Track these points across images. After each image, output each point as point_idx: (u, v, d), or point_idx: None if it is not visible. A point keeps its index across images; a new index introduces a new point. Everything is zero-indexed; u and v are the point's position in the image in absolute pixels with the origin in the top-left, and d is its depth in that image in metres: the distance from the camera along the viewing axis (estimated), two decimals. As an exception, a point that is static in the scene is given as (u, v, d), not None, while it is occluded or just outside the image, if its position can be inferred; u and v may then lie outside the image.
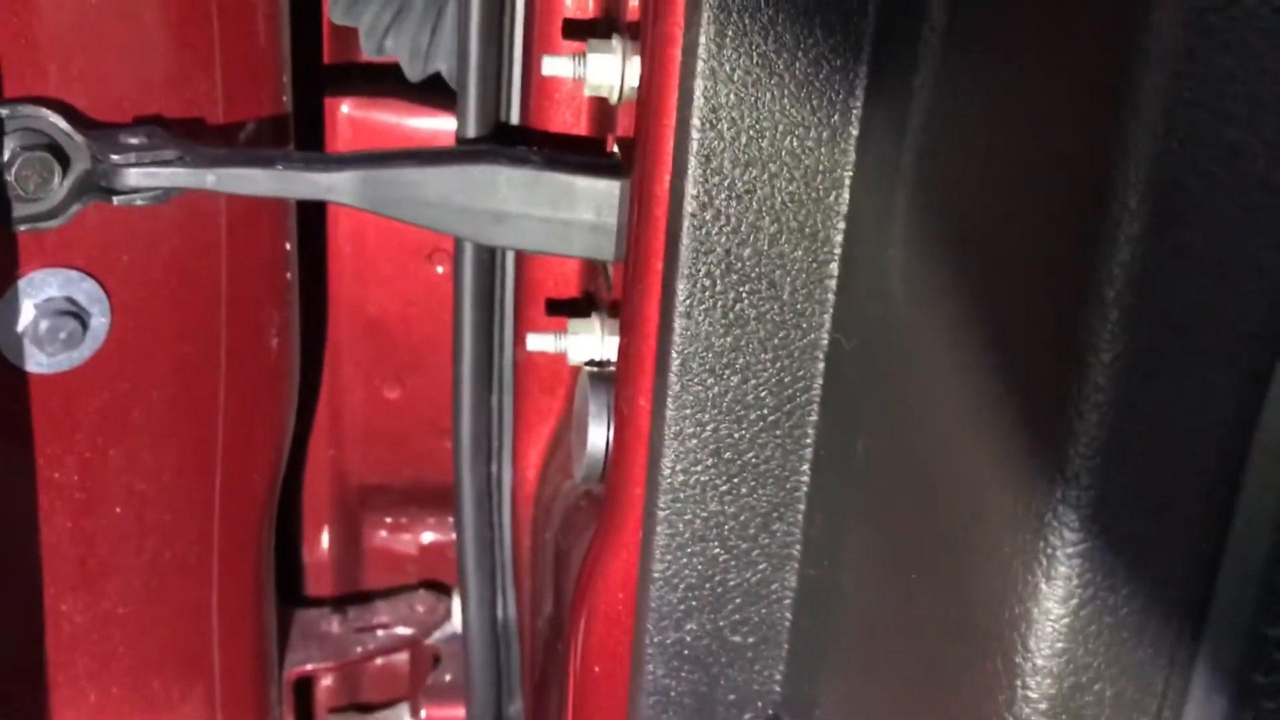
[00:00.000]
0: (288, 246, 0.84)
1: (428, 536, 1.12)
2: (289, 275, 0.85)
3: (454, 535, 1.09)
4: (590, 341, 0.71)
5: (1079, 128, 0.42)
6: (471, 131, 0.74)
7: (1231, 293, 0.41)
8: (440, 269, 1.01)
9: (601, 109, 0.73)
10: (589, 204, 0.68)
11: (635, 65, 0.63)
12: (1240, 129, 0.39)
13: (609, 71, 0.64)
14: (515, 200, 0.68)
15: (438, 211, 0.69)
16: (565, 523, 0.78)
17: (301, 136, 0.87)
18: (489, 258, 0.79)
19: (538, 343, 0.72)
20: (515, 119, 0.75)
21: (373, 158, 0.70)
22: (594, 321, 0.71)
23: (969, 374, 0.49)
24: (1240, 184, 0.39)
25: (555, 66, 0.65)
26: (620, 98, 0.65)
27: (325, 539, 1.11)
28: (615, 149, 0.72)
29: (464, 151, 0.72)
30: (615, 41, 0.64)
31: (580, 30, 0.71)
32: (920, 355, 0.52)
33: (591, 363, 0.71)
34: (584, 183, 0.68)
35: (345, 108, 0.94)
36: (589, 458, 0.68)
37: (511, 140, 0.75)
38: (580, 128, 0.74)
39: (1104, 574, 0.44)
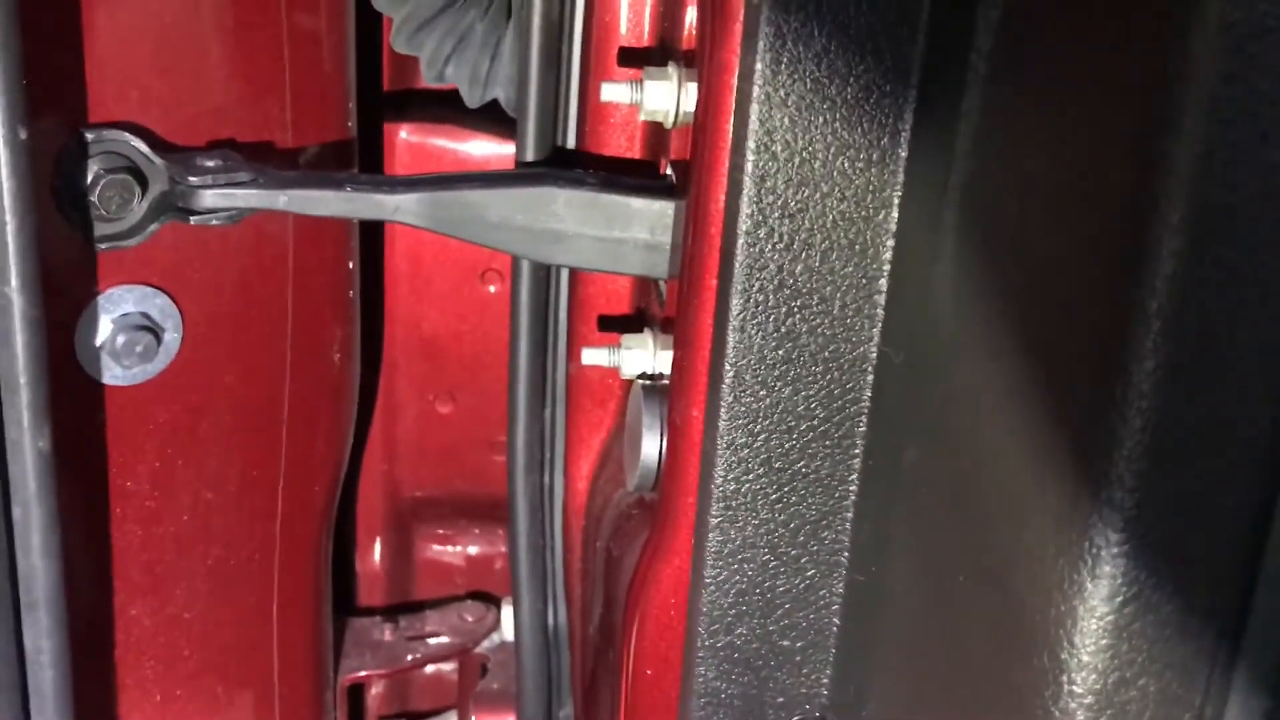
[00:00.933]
0: (350, 265, 0.87)
1: (476, 548, 1.15)
2: (351, 293, 0.88)
3: (502, 548, 1.13)
4: (643, 356, 0.73)
5: (1123, 149, 0.44)
6: (530, 155, 0.77)
7: (1268, 305, 0.43)
8: (493, 288, 1.04)
9: (655, 133, 0.76)
10: (644, 223, 0.71)
11: (690, 91, 0.66)
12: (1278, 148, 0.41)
13: (665, 97, 0.67)
14: (572, 220, 0.71)
15: (498, 231, 0.72)
16: (617, 531, 0.81)
17: (363, 160, 0.90)
18: (545, 276, 0.82)
19: (592, 357, 0.75)
20: (572, 143, 0.78)
21: (436, 180, 0.73)
22: (646, 337, 0.74)
23: (1016, 383, 0.51)
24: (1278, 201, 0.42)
25: (613, 93, 0.68)
26: (675, 122, 0.68)
27: (378, 550, 1.14)
28: (669, 171, 0.74)
29: (523, 174, 0.76)
30: (671, 69, 0.67)
31: (635, 58, 0.74)
32: (967, 366, 0.55)
33: (644, 376, 0.74)
34: (639, 203, 0.71)
35: (404, 133, 0.98)
36: (643, 467, 0.70)
37: (568, 163, 0.78)
38: (634, 151, 0.77)
39: (1147, 573, 0.46)
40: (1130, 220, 0.44)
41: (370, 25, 0.91)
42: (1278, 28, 0.40)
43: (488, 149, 0.99)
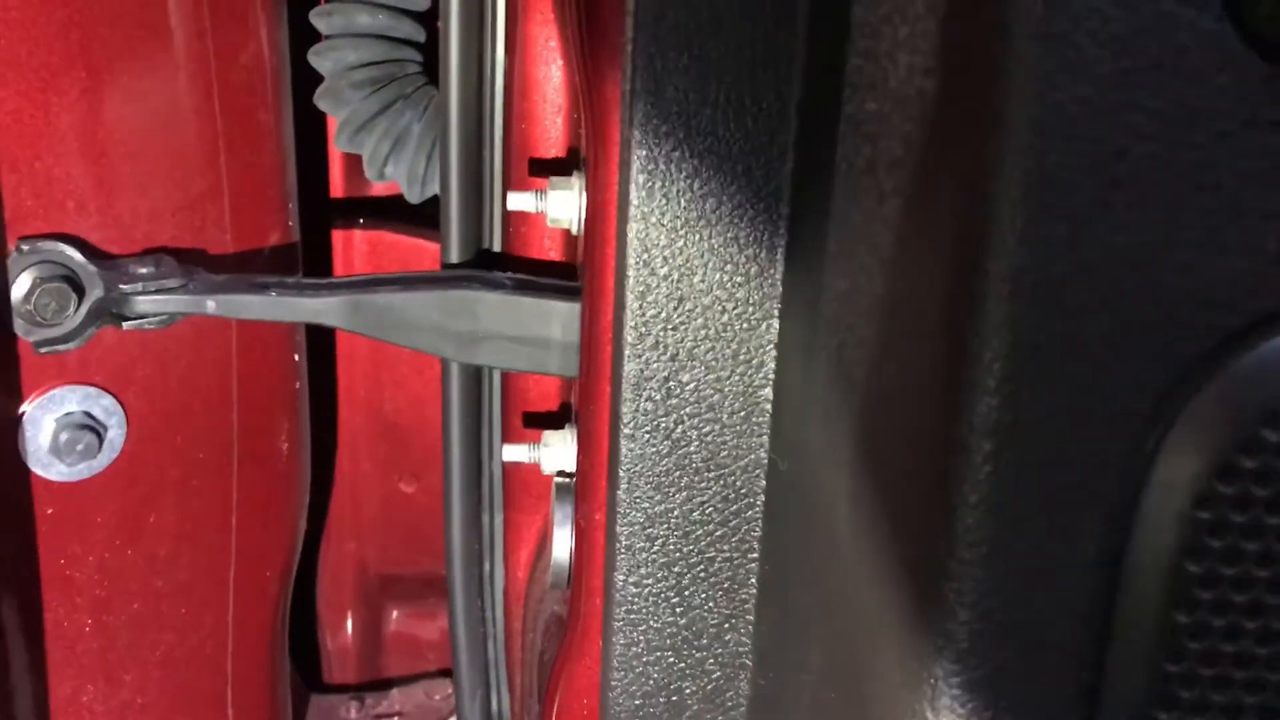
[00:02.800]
0: (296, 358, 0.90)
1: (446, 624, 1.16)
2: (298, 385, 0.90)
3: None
4: (561, 453, 0.75)
5: (942, 287, 0.45)
6: (454, 257, 0.79)
7: (1084, 445, 0.43)
8: (452, 370, 1.06)
9: (572, 236, 0.77)
10: (559, 324, 0.72)
11: (590, 200, 0.68)
12: (1080, 296, 0.42)
13: (568, 206, 0.68)
14: (491, 321, 0.73)
15: (420, 333, 0.74)
16: (546, 625, 0.82)
17: (318, 258, 0.93)
18: (475, 371, 0.84)
19: (513, 453, 0.76)
20: (496, 245, 0.80)
21: (359, 283, 0.75)
22: (566, 434, 0.75)
23: (866, 506, 0.52)
24: (1085, 346, 0.42)
25: (520, 202, 0.70)
26: (581, 229, 0.69)
27: (348, 627, 1.15)
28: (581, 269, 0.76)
29: (443, 276, 0.77)
30: (574, 178, 0.69)
31: (549, 166, 0.76)
32: (830, 482, 0.55)
33: (563, 473, 0.75)
34: (552, 305, 0.72)
35: (359, 228, 1.01)
36: (555, 565, 0.71)
37: (491, 264, 0.79)
38: (554, 253, 0.78)
39: (986, 703, 0.46)
40: (954, 361, 0.44)
41: (321, 124, 0.94)
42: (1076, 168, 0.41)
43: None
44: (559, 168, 0.75)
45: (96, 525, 0.84)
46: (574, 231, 0.70)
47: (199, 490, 0.87)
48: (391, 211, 1.01)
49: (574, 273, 0.78)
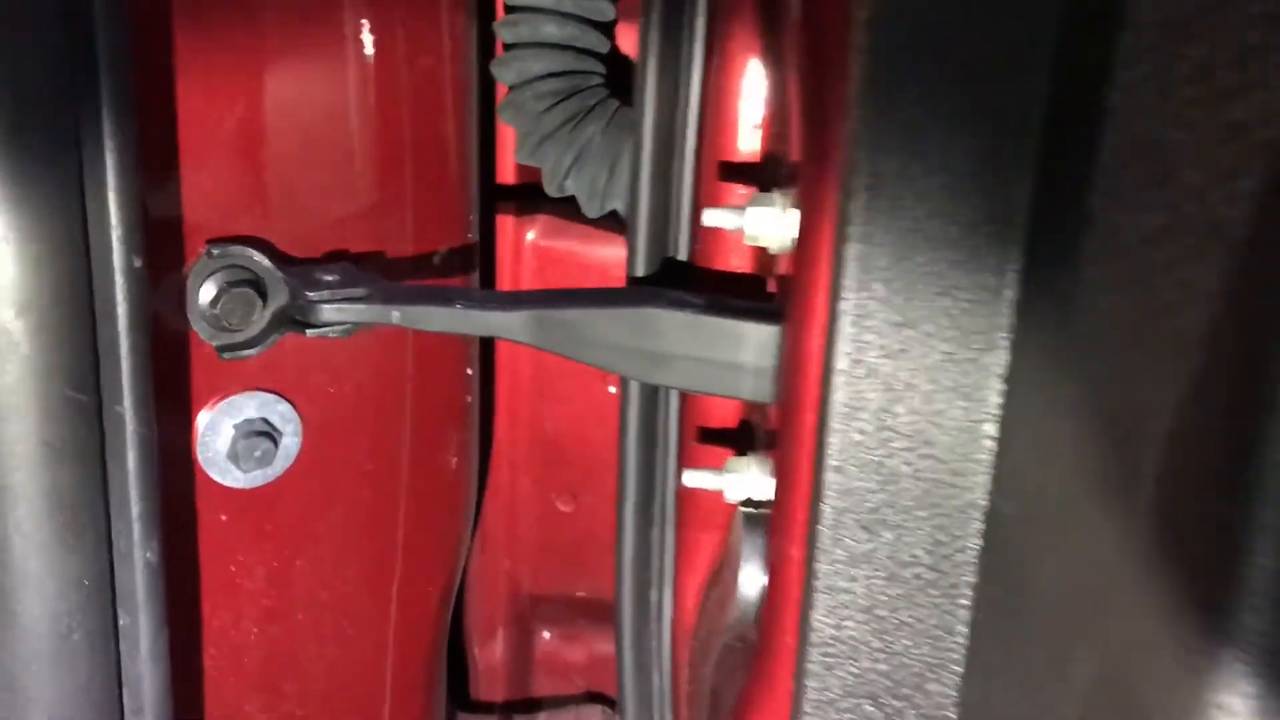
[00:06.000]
0: (469, 371, 0.88)
1: (596, 648, 1.14)
2: (469, 398, 0.89)
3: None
4: (747, 481, 0.71)
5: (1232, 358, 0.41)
6: (640, 270, 0.76)
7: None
8: (613, 389, 1.03)
9: (768, 254, 0.74)
10: (750, 347, 0.69)
11: (795, 218, 0.64)
12: None
13: (768, 225, 0.65)
14: (677, 342, 0.70)
15: (604, 351, 0.71)
16: (720, 660, 0.78)
17: (485, 262, 0.91)
18: (653, 391, 0.81)
19: (696, 479, 0.73)
20: (683, 257, 0.77)
21: (544, 298, 0.73)
22: (751, 461, 0.72)
23: (1134, 559, 0.47)
24: None
25: (717, 218, 0.67)
26: (781, 247, 0.66)
27: (498, 645, 1.13)
28: (777, 291, 0.72)
29: (629, 293, 0.75)
30: (776, 195, 0.65)
31: (747, 175, 0.72)
32: (1087, 531, 0.51)
33: (749, 502, 0.72)
34: (745, 327, 0.69)
35: (530, 235, 0.99)
36: (742, 601, 0.68)
37: (679, 278, 0.77)
38: (746, 266, 0.75)
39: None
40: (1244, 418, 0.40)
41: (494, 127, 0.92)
42: None
43: (613, 252, 0.98)
44: (756, 181, 0.71)
45: (267, 534, 0.83)
46: (773, 250, 0.66)
47: (367, 502, 0.86)
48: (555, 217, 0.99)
49: (765, 291, 0.74)
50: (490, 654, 1.14)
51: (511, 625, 1.13)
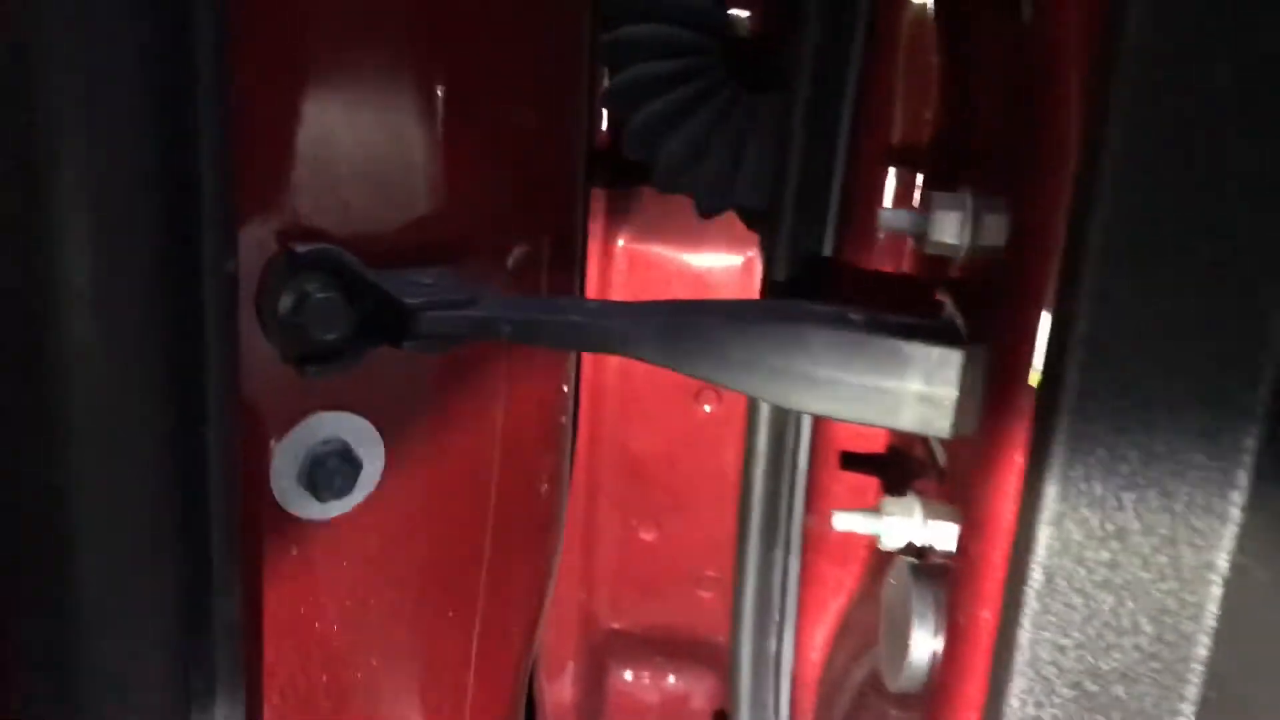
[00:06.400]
0: (565, 389, 0.79)
1: (672, 688, 1.05)
2: (564, 419, 0.80)
3: (696, 685, 1.02)
4: (909, 525, 0.62)
5: None
6: (782, 273, 0.67)
7: None
8: (707, 408, 0.94)
9: (946, 261, 0.65)
10: (918, 372, 0.60)
11: (990, 224, 0.55)
12: None
13: (956, 228, 0.56)
14: (831, 364, 0.61)
15: (743, 372, 0.62)
16: (851, 717, 0.69)
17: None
18: (784, 416, 0.72)
19: (847, 522, 0.64)
20: (828, 251, 0.68)
21: (673, 309, 0.64)
22: (912, 502, 0.63)
23: None
24: None
25: (894, 220, 0.58)
26: (965, 255, 0.57)
27: (569, 680, 1.05)
28: (947, 305, 0.63)
29: (775, 306, 0.66)
30: (966, 195, 0.56)
31: (913, 160, 0.63)
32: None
33: (909, 549, 0.63)
34: (913, 348, 0.60)
35: (621, 240, 0.90)
36: (911, 666, 0.59)
37: (824, 282, 0.67)
38: (905, 267, 0.66)
39: None
40: None
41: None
42: None
43: (710, 260, 0.90)
44: (927, 175, 0.62)
45: (342, 569, 0.74)
46: (959, 258, 0.57)
47: (452, 535, 0.77)
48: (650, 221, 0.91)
49: (930, 299, 0.65)
50: (560, 691, 1.05)
51: (584, 660, 1.04)
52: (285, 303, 0.65)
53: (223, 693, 0.61)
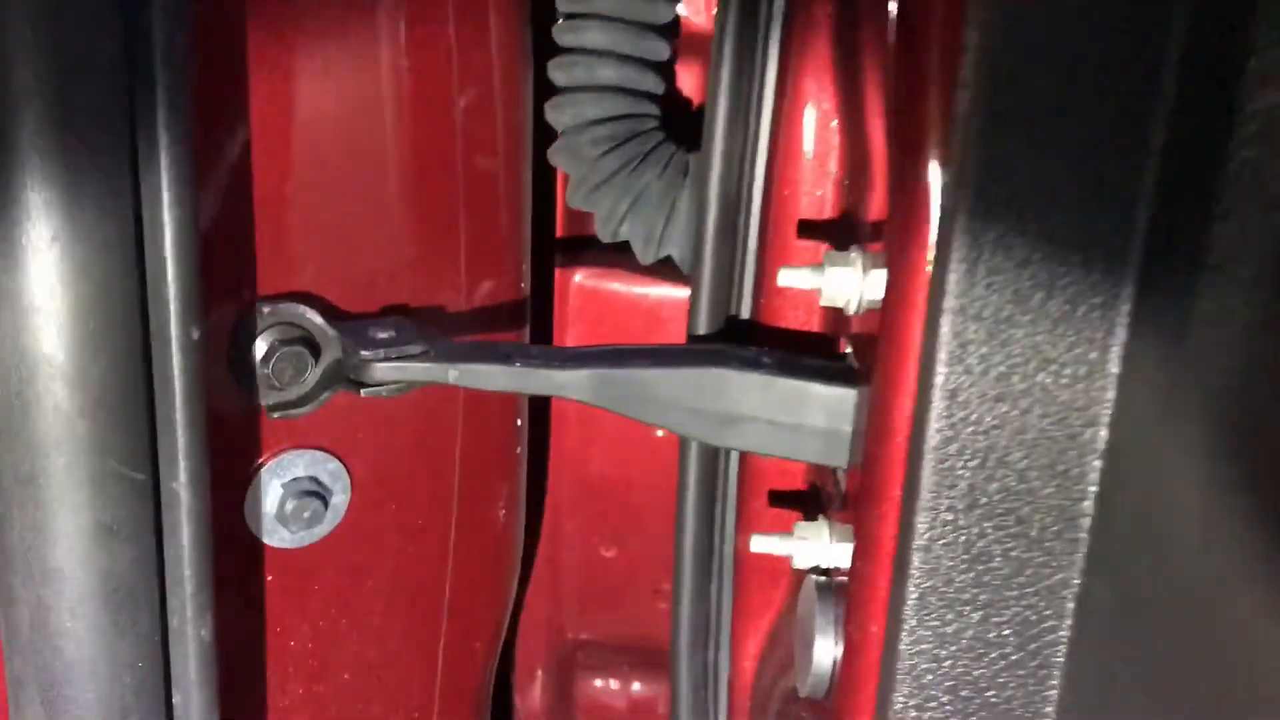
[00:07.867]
0: (519, 422, 0.86)
1: (638, 692, 1.11)
2: (519, 450, 0.87)
3: (660, 690, 1.08)
4: (817, 548, 0.69)
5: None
6: (703, 328, 0.74)
7: None
8: (660, 433, 1.01)
9: (840, 315, 0.71)
10: (821, 410, 0.67)
11: (875, 279, 0.62)
12: None
13: (847, 286, 0.63)
14: (747, 404, 0.68)
15: (669, 411, 0.69)
16: (783, 725, 0.76)
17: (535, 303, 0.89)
18: (714, 450, 0.79)
19: (763, 544, 0.71)
20: (746, 313, 0.75)
21: (606, 355, 0.71)
22: (821, 526, 0.69)
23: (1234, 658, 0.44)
24: None
25: (791, 278, 0.64)
26: (857, 309, 0.64)
27: (538, 690, 1.11)
28: (849, 351, 0.70)
29: (697, 352, 0.72)
30: (854, 254, 0.63)
31: (816, 232, 0.70)
32: (1185, 622, 0.48)
33: (818, 570, 0.69)
34: (817, 388, 0.66)
35: (578, 277, 0.96)
36: (814, 674, 0.65)
37: (742, 337, 0.74)
38: (813, 325, 0.73)
39: None
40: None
41: (547, 174, 0.90)
42: None
43: (661, 293, 0.96)
44: (828, 238, 0.69)
45: (314, 593, 0.81)
46: (849, 312, 0.64)
47: (415, 559, 0.84)
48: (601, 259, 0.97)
49: (834, 349, 0.72)
50: (530, 698, 1.11)
51: (553, 669, 1.11)
52: (254, 355, 0.72)
53: (200, 710, 0.67)
